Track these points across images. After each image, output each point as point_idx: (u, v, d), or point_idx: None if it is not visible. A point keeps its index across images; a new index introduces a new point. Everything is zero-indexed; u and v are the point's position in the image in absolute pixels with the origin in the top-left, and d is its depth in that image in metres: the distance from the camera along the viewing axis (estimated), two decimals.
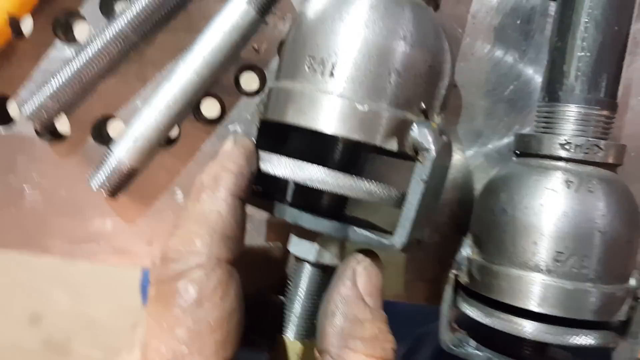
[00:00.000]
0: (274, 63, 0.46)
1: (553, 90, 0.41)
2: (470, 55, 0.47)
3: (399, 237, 0.36)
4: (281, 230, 0.48)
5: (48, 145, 0.47)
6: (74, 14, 0.46)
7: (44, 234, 0.47)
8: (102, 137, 0.48)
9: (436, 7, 0.40)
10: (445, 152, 0.37)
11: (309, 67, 0.36)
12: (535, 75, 0.48)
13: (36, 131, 0.46)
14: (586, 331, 0.39)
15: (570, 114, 0.40)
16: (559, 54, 0.41)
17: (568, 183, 0.39)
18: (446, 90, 0.38)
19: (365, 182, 0.37)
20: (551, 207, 0.38)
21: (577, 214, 0.38)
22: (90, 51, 0.43)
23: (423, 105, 0.37)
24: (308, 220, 0.38)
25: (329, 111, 0.35)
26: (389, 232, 0.39)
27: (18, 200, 0.47)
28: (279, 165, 0.38)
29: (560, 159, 0.40)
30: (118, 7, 0.46)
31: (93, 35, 0.43)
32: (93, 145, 0.47)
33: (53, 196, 0.47)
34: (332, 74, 0.35)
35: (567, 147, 0.40)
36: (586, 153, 0.40)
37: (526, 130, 0.48)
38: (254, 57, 0.46)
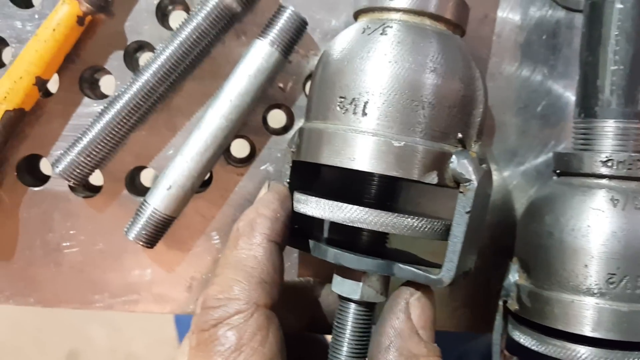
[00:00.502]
0: (301, 100, 0.46)
1: (589, 106, 0.40)
2: (498, 75, 0.47)
3: (447, 272, 0.36)
4: (313, 264, 0.48)
5: (83, 200, 0.47)
6: (99, 70, 0.46)
7: (85, 290, 0.47)
8: (136, 187, 0.48)
9: (462, 33, 0.40)
10: (486, 180, 0.36)
11: (340, 108, 0.36)
12: (566, 89, 0.47)
13: (70, 187, 0.47)
14: None
15: (609, 129, 0.39)
16: (591, 69, 0.40)
17: (614, 201, 0.38)
18: (481, 118, 0.38)
19: (408, 218, 0.36)
20: (599, 227, 0.37)
21: (626, 232, 0.37)
22: (118, 105, 0.43)
23: (460, 135, 0.36)
24: (351, 260, 0.37)
25: (364, 150, 0.35)
26: (433, 265, 0.38)
27: (57, 257, 0.47)
28: (317, 207, 0.37)
29: (603, 176, 0.39)
30: (142, 59, 0.47)
31: (120, 89, 0.43)
32: (127, 197, 0.47)
33: (91, 250, 0.47)
34: (364, 113, 0.35)
35: (609, 164, 0.39)
36: (629, 169, 0.38)
37: (562, 146, 0.47)
38: (281, 96, 0.46)
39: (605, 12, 0.39)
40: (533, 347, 0.40)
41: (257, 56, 0.43)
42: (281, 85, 0.46)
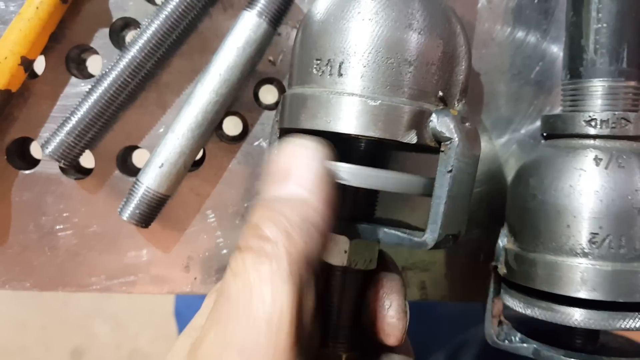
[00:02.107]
0: None
1: (574, 67, 0.40)
2: (490, 41, 0.46)
3: (431, 234, 0.35)
4: None
5: (75, 182, 0.46)
6: (86, 49, 0.46)
7: (80, 272, 0.47)
8: (128, 167, 0.48)
9: None
10: (470, 140, 0.35)
11: (317, 70, 0.35)
12: (560, 54, 0.46)
13: (61, 169, 0.46)
14: (634, 314, 0.37)
15: (593, 89, 0.39)
16: (576, 29, 0.40)
17: (597, 161, 0.37)
18: (465, 75, 0.37)
19: (392, 172, 0.35)
20: (581, 187, 0.37)
21: (608, 191, 0.36)
22: (105, 83, 0.42)
23: (441, 93, 0.35)
24: (336, 227, 0.37)
25: (340, 111, 0.34)
26: (421, 230, 0.37)
27: (52, 240, 0.47)
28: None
29: (587, 136, 0.39)
30: (128, 37, 0.46)
31: (107, 67, 0.43)
32: (120, 177, 0.46)
33: (86, 233, 0.47)
34: (340, 74, 0.34)
35: (592, 123, 0.38)
36: (613, 127, 0.38)
37: (557, 110, 0.46)
38: (271, 70, 0.46)
39: None
40: (519, 310, 0.39)
41: (245, 28, 0.42)
42: (271, 58, 0.45)
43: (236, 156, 0.47)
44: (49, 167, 0.46)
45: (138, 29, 0.43)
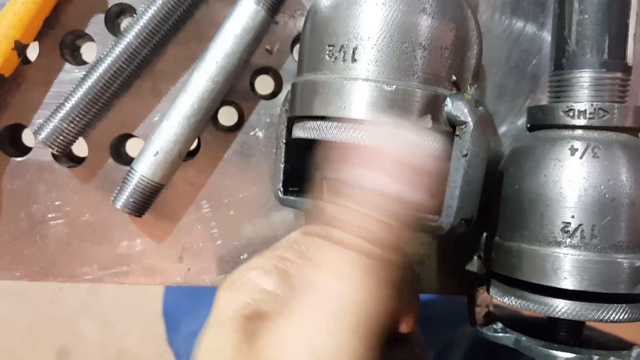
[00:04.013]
0: (289, 63, 0.45)
1: (558, 58, 0.40)
2: (487, 34, 0.46)
3: (447, 218, 0.35)
4: None
5: (68, 171, 0.46)
6: (80, 35, 0.45)
7: (72, 262, 0.46)
8: (122, 156, 0.47)
9: None
10: (483, 123, 0.36)
11: (330, 56, 0.35)
12: None
13: (54, 157, 0.45)
14: (613, 306, 0.36)
15: (575, 80, 0.39)
16: (560, 21, 0.40)
17: (572, 151, 0.37)
18: (476, 60, 0.37)
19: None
20: (555, 176, 0.37)
21: (581, 181, 0.36)
22: (100, 69, 0.42)
23: (454, 77, 0.35)
24: None
25: (355, 96, 0.34)
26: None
27: (43, 229, 0.46)
28: (311, 129, 0.36)
29: (566, 127, 0.39)
30: (124, 23, 0.46)
31: (101, 53, 0.42)
32: (113, 166, 0.46)
33: (78, 222, 0.46)
34: (354, 59, 0.34)
35: (570, 113, 0.38)
36: (591, 118, 0.38)
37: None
38: (268, 59, 0.45)
39: None
40: (498, 299, 0.40)
41: (243, 15, 0.42)
42: (268, 47, 0.45)
43: (231, 146, 0.46)
44: (41, 155, 0.45)
45: (134, 16, 0.43)
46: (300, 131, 0.37)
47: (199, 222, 0.47)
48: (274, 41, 0.45)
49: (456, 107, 0.34)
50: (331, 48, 0.35)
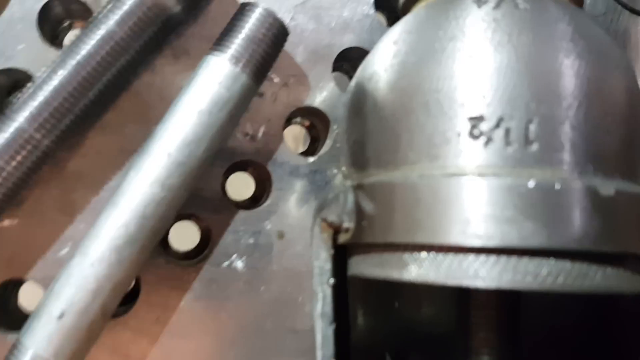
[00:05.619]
0: (281, 154, 0.30)
1: None
2: None
3: None
4: None
5: None
6: None
7: None
8: (8, 316, 0.29)
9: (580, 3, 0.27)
10: None
11: (473, 136, 0.21)
12: None
13: None
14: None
15: None
16: None
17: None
18: None
19: None
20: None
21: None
22: None
23: None
24: None
25: (550, 211, 0.20)
26: None
27: None
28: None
29: None
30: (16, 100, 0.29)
31: None
32: None
33: None
34: (528, 141, 0.20)
35: None
36: None
37: None
38: (248, 148, 0.29)
39: None
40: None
41: (212, 81, 0.26)
42: (249, 131, 0.29)
43: (192, 287, 0.29)
44: None
45: (30, 85, 0.26)
46: (409, 271, 0.21)
47: None
48: (258, 121, 0.29)
49: None
50: (475, 121, 0.21)
